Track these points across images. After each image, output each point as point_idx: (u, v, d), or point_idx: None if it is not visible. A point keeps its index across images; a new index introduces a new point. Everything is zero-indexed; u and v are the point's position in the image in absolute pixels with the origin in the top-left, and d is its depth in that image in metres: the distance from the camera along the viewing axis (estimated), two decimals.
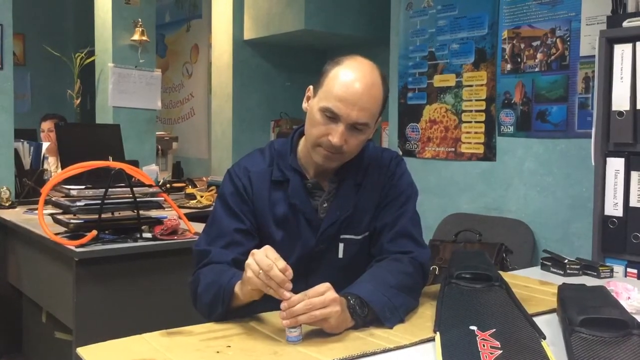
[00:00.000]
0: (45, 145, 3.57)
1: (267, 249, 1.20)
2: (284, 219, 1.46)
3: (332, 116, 1.36)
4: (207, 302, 1.32)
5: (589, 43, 2.81)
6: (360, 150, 1.48)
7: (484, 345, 1.05)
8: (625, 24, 2.23)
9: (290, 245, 1.45)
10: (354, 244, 1.48)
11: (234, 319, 1.27)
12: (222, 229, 1.44)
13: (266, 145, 1.57)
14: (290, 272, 1.17)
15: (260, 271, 1.16)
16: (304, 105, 1.46)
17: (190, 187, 3.80)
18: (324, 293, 1.16)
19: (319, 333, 1.17)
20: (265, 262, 1.16)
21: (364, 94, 1.35)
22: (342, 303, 1.20)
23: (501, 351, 1.02)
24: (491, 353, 1.02)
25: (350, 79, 1.36)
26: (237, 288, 1.25)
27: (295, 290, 1.20)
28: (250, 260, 1.19)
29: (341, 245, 1.47)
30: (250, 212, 1.46)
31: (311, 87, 1.45)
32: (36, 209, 2.27)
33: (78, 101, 4.63)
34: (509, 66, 3.16)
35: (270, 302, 1.29)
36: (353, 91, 1.35)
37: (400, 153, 3.67)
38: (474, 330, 1.11)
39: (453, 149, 3.43)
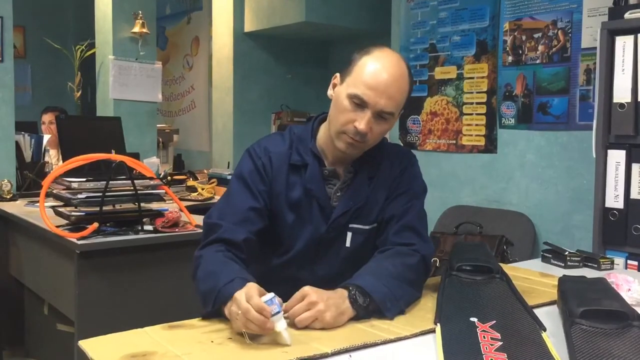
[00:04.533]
0: (46, 137, 3.57)
1: (249, 289, 1.15)
2: (297, 202, 1.47)
3: (359, 103, 1.38)
4: (202, 292, 1.31)
5: (590, 35, 2.81)
6: (377, 147, 1.50)
7: (484, 337, 1.05)
8: (627, 15, 2.22)
9: (301, 229, 1.47)
10: (361, 233, 1.49)
11: None
12: (236, 205, 1.44)
13: (286, 129, 1.58)
14: (268, 311, 1.09)
15: (239, 312, 1.12)
16: (329, 92, 1.47)
17: (191, 179, 3.80)
18: (302, 299, 1.19)
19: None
20: (244, 305, 1.11)
21: (393, 84, 1.38)
22: (342, 295, 1.22)
23: (501, 342, 1.03)
24: (491, 344, 1.02)
25: (379, 68, 1.38)
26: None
27: (302, 277, 1.23)
28: (233, 307, 1.16)
29: (349, 234, 1.49)
30: (266, 192, 1.47)
31: (338, 74, 1.46)
32: (37, 202, 2.28)
33: (79, 94, 4.62)
34: (510, 58, 3.15)
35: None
36: (382, 80, 1.37)
37: (402, 145, 3.67)
38: (474, 322, 1.11)
39: (454, 142, 3.43)
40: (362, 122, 1.37)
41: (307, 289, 1.21)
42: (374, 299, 1.24)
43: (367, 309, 1.24)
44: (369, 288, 1.24)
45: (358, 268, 1.38)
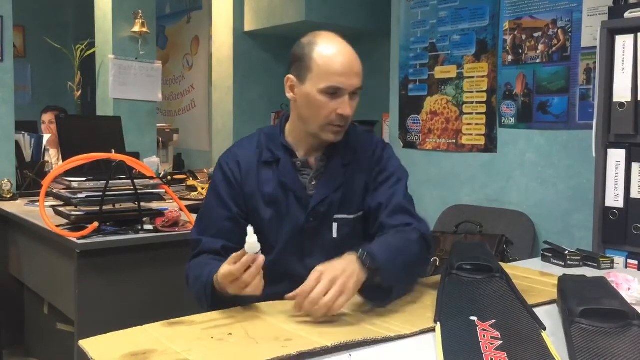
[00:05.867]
0: (46, 137, 3.57)
1: (221, 269, 1.27)
2: (273, 197, 1.50)
3: (335, 92, 1.42)
4: (195, 296, 1.42)
5: (590, 34, 2.81)
6: (347, 131, 1.55)
7: (484, 336, 1.05)
8: (627, 14, 2.22)
9: (280, 223, 1.49)
10: (346, 223, 1.52)
11: (235, 309, 1.28)
12: (211, 218, 1.52)
13: (256, 131, 1.63)
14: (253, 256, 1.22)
15: (237, 280, 1.23)
16: (290, 95, 1.50)
17: (191, 179, 3.80)
18: (319, 280, 1.20)
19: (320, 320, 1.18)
20: (235, 269, 1.22)
21: (354, 60, 1.44)
22: (352, 260, 1.25)
23: (501, 342, 1.03)
24: (491, 343, 1.02)
25: (337, 52, 1.43)
26: (216, 283, 1.31)
27: (295, 272, 1.29)
28: (222, 280, 1.26)
29: (335, 225, 1.51)
30: (239, 196, 1.51)
31: (291, 76, 1.49)
32: (37, 201, 2.28)
33: (79, 93, 4.62)
34: (510, 57, 3.15)
35: (270, 293, 1.32)
36: (347, 62, 1.42)
37: (402, 145, 3.67)
38: (474, 321, 1.11)
39: (454, 141, 3.43)
40: (345, 107, 1.42)
41: (320, 268, 1.23)
42: (379, 263, 1.26)
43: (377, 272, 1.25)
44: (376, 252, 1.27)
45: None
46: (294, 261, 1.50)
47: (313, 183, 1.51)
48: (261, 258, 1.22)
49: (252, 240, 1.20)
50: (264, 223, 1.49)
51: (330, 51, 1.42)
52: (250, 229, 1.22)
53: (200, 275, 1.39)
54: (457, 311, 1.19)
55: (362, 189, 1.53)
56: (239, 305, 1.30)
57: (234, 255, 1.24)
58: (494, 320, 1.12)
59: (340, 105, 1.42)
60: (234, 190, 1.51)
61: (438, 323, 1.14)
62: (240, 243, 1.47)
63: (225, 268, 1.25)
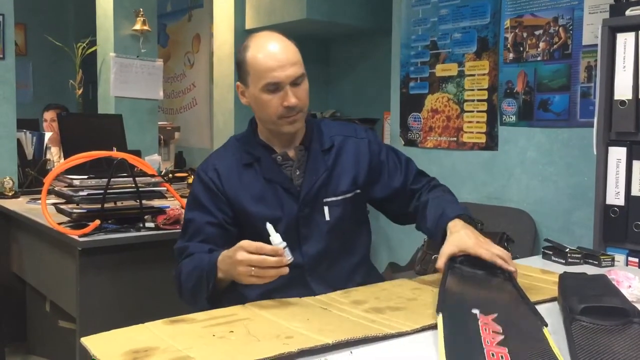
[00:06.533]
0: (47, 135, 3.58)
1: (245, 245, 1.28)
2: (261, 196, 1.52)
3: (274, 88, 1.46)
4: (191, 286, 1.42)
5: (591, 32, 2.80)
6: (316, 123, 1.63)
7: (485, 330, 1.05)
8: (628, 12, 2.22)
9: (274, 218, 1.50)
10: (336, 205, 1.56)
11: (235, 307, 1.28)
12: (195, 226, 1.52)
13: (228, 139, 1.68)
14: (281, 250, 1.28)
15: (253, 269, 1.25)
16: (244, 101, 1.58)
17: (192, 176, 3.80)
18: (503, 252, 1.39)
19: (320, 317, 1.18)
20: (255, 258, 1.26)
21: (286, 52, 1.48)
22: (472, 229, 1.45)
23: (503, 336, 1.03)
24: (493, 338, 1.02)
25: (266, 49, 1.48)
26: (220, 264, 1.35)
27: (295, 261, 1.32)
28: (241, 259, 1.27)
29: (326, 209, 1.55)
30: (223, 204, 1.52)
31: (238, 83, 1.57)
32: (39, 199, 2.28)
33: (80, 91, 4.63)
34: (511, 55, 3.15)
35: (270, 287, 1.33)
36: (277, 56, 1.47)
37: (403, 143, 3.67)
38: (476, 314, 1.11)
39: (455, 139, 3.43)
40: (288, 98, 1.46)
41: (494, 250, 1.38)
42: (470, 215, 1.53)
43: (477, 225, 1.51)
44: (462, 210, 1.53)
45: (343, 239, 1.53)
46: (293, 251, 1.50)
47: (297, 173, 1.54)
48: (288, 259, 1.27)
49: (275, 239, 1.28)
50: (257, 222, 1.49)
51: (260, 50, 1.48)
52: (270, 227, 1.28)
53: (199, 265, 1.41)
54: (458, 303, 1.19)
55: (351, 171, 1.59)
56: (232, 295, 1.36)
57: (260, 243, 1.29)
58: (496, 314, 1.12)
59: (284, 98, 1.46)
60: (216, 197, 1.52)
61: (440, 314, 1.14)
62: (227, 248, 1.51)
63: (250, 242, 1.28)
